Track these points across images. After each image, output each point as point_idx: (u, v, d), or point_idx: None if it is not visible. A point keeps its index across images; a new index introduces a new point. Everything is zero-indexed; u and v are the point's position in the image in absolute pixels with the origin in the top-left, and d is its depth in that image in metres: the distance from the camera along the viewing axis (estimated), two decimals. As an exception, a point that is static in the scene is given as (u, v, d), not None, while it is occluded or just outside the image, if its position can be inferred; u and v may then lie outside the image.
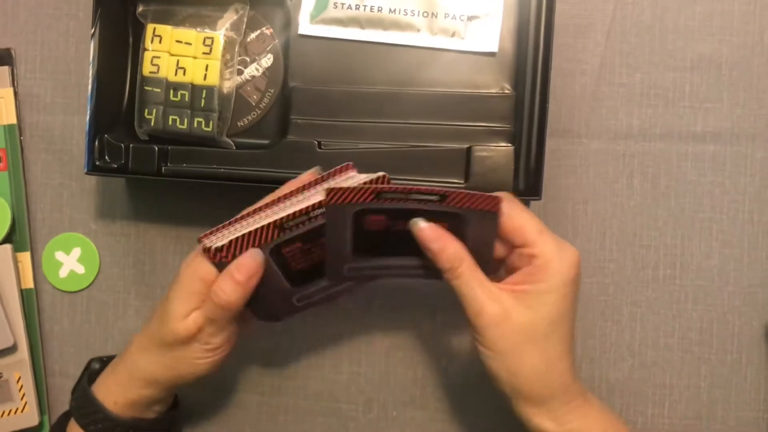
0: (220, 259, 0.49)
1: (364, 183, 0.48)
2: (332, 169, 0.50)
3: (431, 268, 0.50)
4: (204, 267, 0.49)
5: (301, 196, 0.50)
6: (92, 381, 0.54)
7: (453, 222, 0.49)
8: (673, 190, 0.60)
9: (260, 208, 0.50)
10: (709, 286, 0.60)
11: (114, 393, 0.52)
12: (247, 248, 0.49)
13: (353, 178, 0.50)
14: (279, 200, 0.50)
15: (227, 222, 0.50)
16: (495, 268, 0.50)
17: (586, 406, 0.48)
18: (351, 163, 0.50)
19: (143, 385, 0.52)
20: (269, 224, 0.49)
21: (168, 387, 0.53)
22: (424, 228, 0.48)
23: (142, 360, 0.52)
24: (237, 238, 0.49)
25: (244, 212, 0.50)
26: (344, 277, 0.52)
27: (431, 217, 0.48)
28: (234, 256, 0.49)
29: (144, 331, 0.53)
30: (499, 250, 0.50)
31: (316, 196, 0.49)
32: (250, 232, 0.49)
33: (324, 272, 0.52)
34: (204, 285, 0.49)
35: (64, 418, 0.55)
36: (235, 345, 0.53)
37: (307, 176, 0.51)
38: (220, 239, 0.49)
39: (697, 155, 0.60)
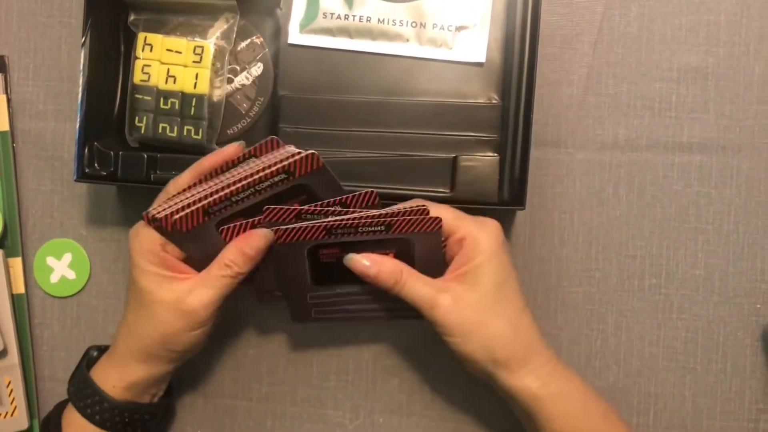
0: (169, 225, 0.52)
1: (299, 209, 0.52)
2: (258, 144, 0.53)
3: (392, 302, 0.53)
4: (149, 236, 0.52)
5: (234, 171, 0.53)
6: (90, 368, 0.55)
7: (401, 245, 0.52)
8: (659, 200, 0.60)
9: (198, 183, 0.53)
10: (695, 296, 0.60)
11: (112, 377, 0.54)
12: (196, 215, 0.52)
13: (284, 151, 0.52)
14: (212, 175, 0.53)
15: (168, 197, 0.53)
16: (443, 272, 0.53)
17: (565, 369, 0.52)
18: (276, 138, 0.53)
19: (139, 363, 0.53)
20: (216, 193, 0.52)
21: (164, 362, 0.54)
22: (355, 261, 0.52)
23: (132, 341, 0.53)
24: (186, 204, 0.52)
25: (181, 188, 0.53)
26: (309, 306, 0.56)
27: (380, 245, 0.52)
28: (184, 218, 0.52)
29: (124, 320, 0.54)
30: None
31: (252, 168, 0.52)
32: (202, 198, 0.52)
33: None
34: (155, 253, 0.52)
35: (59, 408, 0.56)
36: (217, 317, 0.54)
37: (231, 150, 0.53)
38: (167, 210, 0.52)
39: (683, 165, 0.60)
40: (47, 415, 0.57)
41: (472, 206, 0.55)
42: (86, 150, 0.56)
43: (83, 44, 0.56)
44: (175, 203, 0.53)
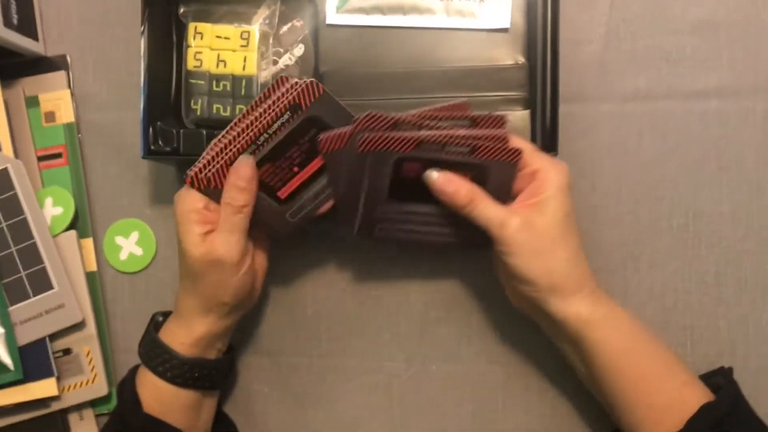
0: (202, 183, 0.55)
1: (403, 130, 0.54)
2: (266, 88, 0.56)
3: (456, 228, 0.55)
4: (191, 196, 0.56)
5: (250, 116, 0.56)
6: (157, 331, 0.59)
7: (477, 171, 0.54)
8: (682, 145, 0.64)
9: (226, 133, 0.56)
10: (722, 231, 0.63)
11: (179, 335, 0.58)
12: (221, 172, 0.55)
13: (288, 84, 0.55)
14: (239, 122, 0.56)
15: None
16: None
17: (609, 297, 0.55)
18: (283, 76, 0.56)
19: (200, 318, 0.57)
20: (237, 139, 0.55)
21: (222, 315, 0.57)
22: (437, 177, 0.54)
23: (190, 299, 0.57)
24: (211, 158, 0.55)
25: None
26: (376, 220, 0.57)
27: (459, 167, 0.54)
28: (214, 175, 0.55)
29: (180, 281, 0.58)
30: None
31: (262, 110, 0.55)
32: (221, 149, 0.55)
33: (303, 184, 0.57)
34: (197, 211, 0.55)
35: (132, 372, 0.60)
36: (262, 269, 0.59)
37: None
38: (197, 166, 0.55)
39: (701, 111, 0.64)
40: (122, 379, 0.61)
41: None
42: (150, 130, 0.61)
43: (142, 33, 0.61)
44: (204, 159, 0.56)
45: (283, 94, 0.55)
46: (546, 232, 0.53)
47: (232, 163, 0.55)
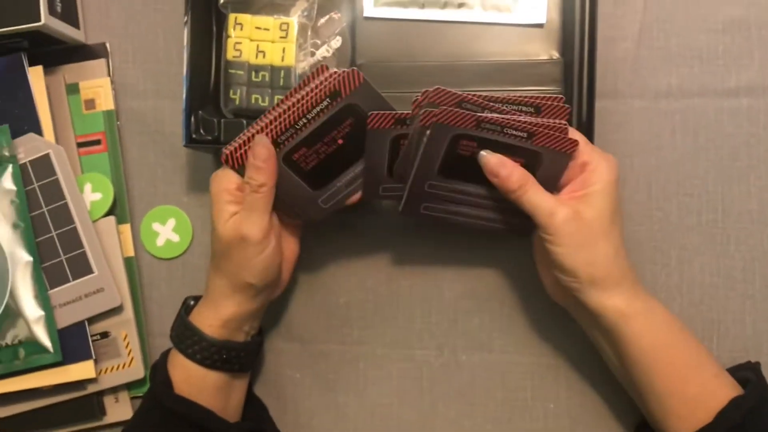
0: (237, 162, 0.56)
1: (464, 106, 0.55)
2: (307, 75, 0.58)
3: (500, 212, 0.56)
4: (226, 176, 0.57)
5: (289, 101, 0.57)
6: (188, 314, 0.61)
7: (530, 158, 0.55)
8: (712, 142, 0.65)
9: (264, 116, 0.57)
10: (750, 228, 0.64)
11: (208, 317, 0.59)
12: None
13: (328, 74, 0.57)
14: (278, 106, 0.57)
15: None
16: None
17: (646, 292, 0.56)
18: (324, 64, 0.58)
19: (228, 299, 0.58)
20: (275, 122, 0.56)
21: (249, 296, 0.58)
22: (490, 158, 0.55)
23: (218, 279, 0.58)
24: (247, 138, 0.56)
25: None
26: (423, 197, 0.58)
27: (512, 152, 0.55)
28: (245, 153, 0.56)
29: (210, 261, 0.60)
30: None
31: (302, 95, 0.56)
32: (258, 131, 0.56)
33: (337, 171, 0.58)
34: (230, 191, 0.57)
35: (164, 356, 0.61)
36: (292, 255, 0.61)
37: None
38: (233, 145, 0.57)
39: (732, 109, 0.65)
40: (155, 362, 0.62)
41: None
42: (192, 119, 0.62)
43: (186, 23, 0.62)
44: (241, 138, 0.57)
45: (322, 82, 0.56)
46: (592, 225, 0.54)
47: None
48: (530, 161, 0.55)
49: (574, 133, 0.56)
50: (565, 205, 0.54)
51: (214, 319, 0.59)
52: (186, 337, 0.59)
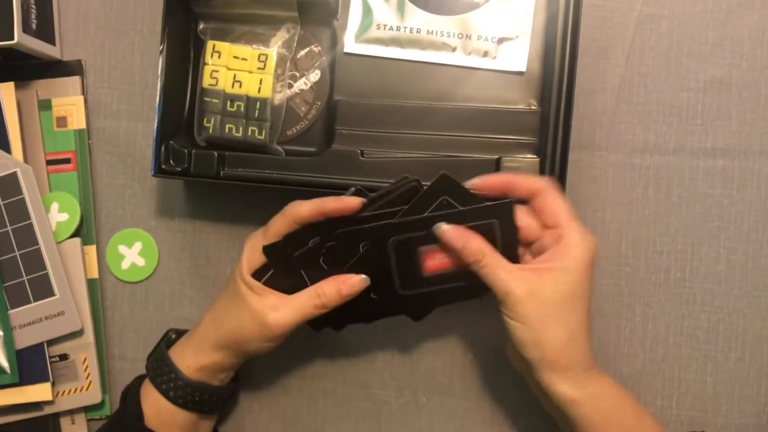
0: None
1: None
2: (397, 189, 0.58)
3: (467, 284, 0.56)
4: (259, 241, 0.58)
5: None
6: (168, 348, 0.60)
7: (483, 227, 0.55)
8: (685, 200, 0.65)
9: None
10: (717, 290, 0.65)
11: (188, 358, 0.59)
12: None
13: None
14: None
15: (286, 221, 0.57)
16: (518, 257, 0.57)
17: (600, 374, 0.55)
18: (417, 180, 0.57)
19: (213, 350, 0.58)
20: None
21: (236, 356, 0.58)
22: (446, 230, 0.55)
23: (211, 330, 0.58)
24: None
25: None
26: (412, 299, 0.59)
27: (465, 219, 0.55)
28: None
29: (211, 308, 0.59)
30: (534, 232, 0.56)
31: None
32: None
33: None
34: (262, 262, 0.58)
35: (138, 381, 0.61)
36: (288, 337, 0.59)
37: (354, 203, 0.56)
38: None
39: (707, 169, 0.65)
40: (127, 386, 0.62)
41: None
42: (162, 148, 0.61)
43: (161, 51, 0.61)
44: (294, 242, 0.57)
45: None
46: (547, 307, 0.53)
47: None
48: (485, 230, 0.55)
49: (555, 199, 0.55)
50: (521, 282, 0.53)
51: (193, 361, 0.59)
52: (162, 373, 0.59)
